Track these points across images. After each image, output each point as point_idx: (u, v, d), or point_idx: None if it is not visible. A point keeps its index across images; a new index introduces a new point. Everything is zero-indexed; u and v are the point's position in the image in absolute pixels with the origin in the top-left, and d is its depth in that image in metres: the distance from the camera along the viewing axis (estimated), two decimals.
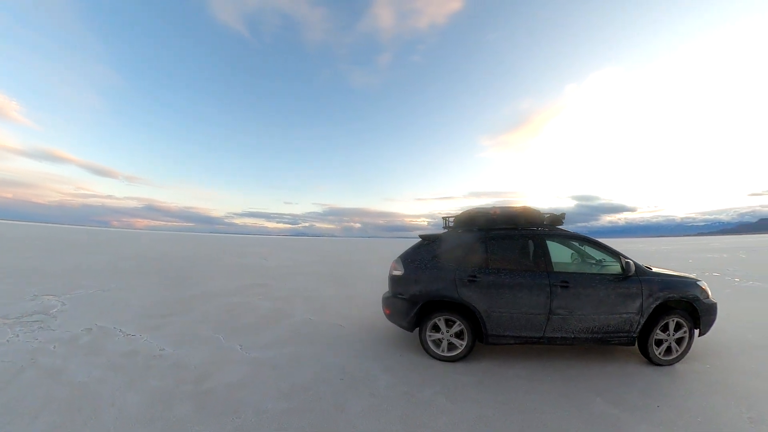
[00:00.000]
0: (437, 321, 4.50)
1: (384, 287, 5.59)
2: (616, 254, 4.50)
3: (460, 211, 5.29)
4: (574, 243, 4.81)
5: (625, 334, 4.32)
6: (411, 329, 4.70)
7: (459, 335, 4.47)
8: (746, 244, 38.48)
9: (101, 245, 25.86)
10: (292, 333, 5.51)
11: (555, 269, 4.41)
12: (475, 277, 4.41)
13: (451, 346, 4.50)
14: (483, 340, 4.43)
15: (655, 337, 4.33)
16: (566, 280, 4.30)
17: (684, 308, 4.45)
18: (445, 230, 5.33)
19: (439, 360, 4.46)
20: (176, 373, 3.91)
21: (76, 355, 4.32)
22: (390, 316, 4.89)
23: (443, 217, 5.43)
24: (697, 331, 4.50)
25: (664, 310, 4.35)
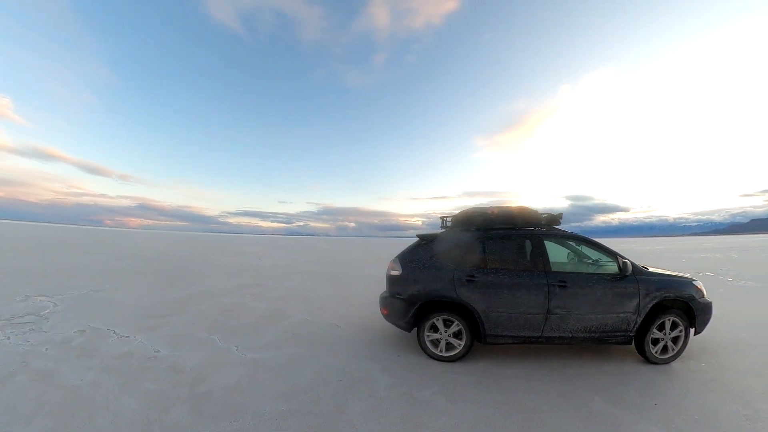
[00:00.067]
0: (435, 321, 4.49)
1: (380, 287, 5.57)
2: (613, 254, 4.52)
3: (458, 211, 5.29)
4: (571, 243, 4.83)
5: (622, 333, 4.35)
6: (409, 329, 4.69)
7: (457, 335, 4.47)
8: (738, 244, 39.05)
9: (94, 245, 25.58)
10: (289, 334, 5.47)
11: (553, 269, 4.42)
12: (473, 277, 4.40)
13: (450, 346, 4.49)
14: (481, 340, 4.43)
15: (652, 336, 4.37)
16: (564, 280, 4.31)
17: (680, 307, 4.49)
18: (443, 230, 5.32)
19: (438, 360, 4.45)
20: (172, 375, 3.85)
21: (69, 358, 4.23)
22: (388, 317, 4.86)
23: (441, 217, 5.43)
24: (692, 330, 4.54)
25: (660, 309, 4.39)
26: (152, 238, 45.73)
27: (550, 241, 4.65)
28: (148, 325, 5.64)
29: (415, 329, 4.66)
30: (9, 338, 4.82)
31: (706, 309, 4.53)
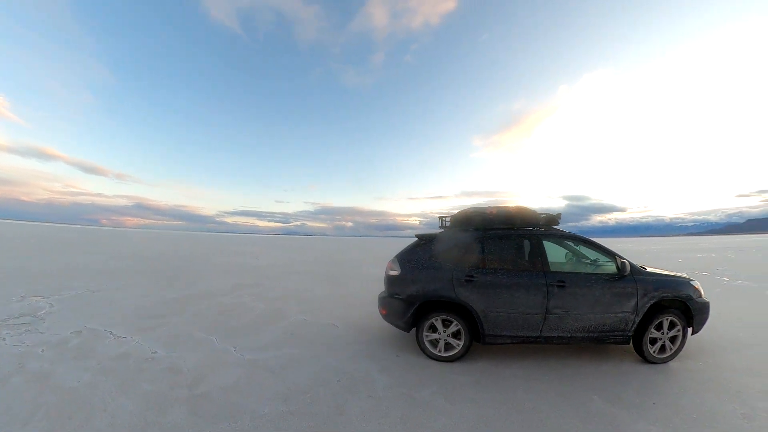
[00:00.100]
0: (434, 321, 4.48)
1: (378, 287, 5.56)
2: (611, 254, 4.54)
3: (456, 211, 5.28)
4: (569, 243, 4.84)
5: (620, 333, 4.36)
6: (408, 329, 4.68)
7: (456, 335, 4.47)
8: (734, 244, 39.30)
9: (91, 244, 25.44)
10: (287, 334, 5.45)
11: (551, 269, 4.43)
12: (472, 277, 4.40)
13: (448, 346, 4.49)
14: (480, 340, 4.43)
15: (650, 335, 4.39)
16: (563, 280, 4.32)
17: (678, 307, 4.50)
18: (442, 230, 5.31)
19: (436, 360, 4.45)
20: (170, 376, 3.83)
21: (65, 359, 4.20)
22: (386, 317, 4.86)
23: (440, 217, 5.42)
24: (690, 330, 4.56)
25: (658, 309, 4.41)
26: (149, 238, 45.53)
27: (549, 241, 4.66)
28: (145, 326, 5.61)
29: (414, 329, 4.66)
30: (5, 339, 4.78)
31: (703, 309, 4.55)
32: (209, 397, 3.40)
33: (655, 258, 21.20)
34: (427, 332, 4.51)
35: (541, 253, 4.52)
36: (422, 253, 4.76)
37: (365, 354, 4.67)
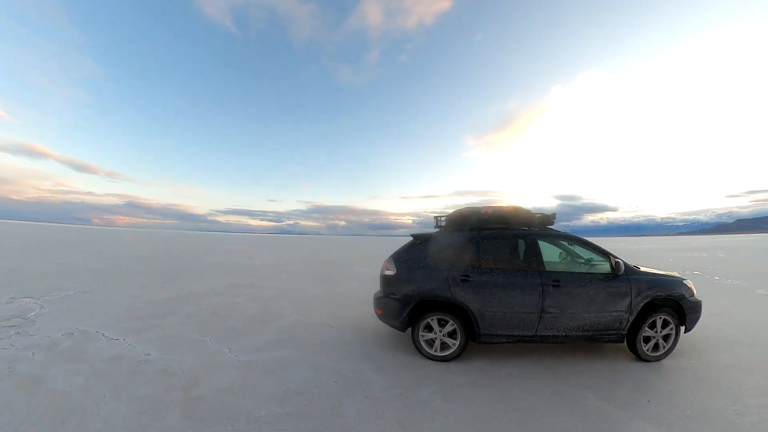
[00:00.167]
0: (430, 321, 4.49)
1: (372, 286, 5.55)
2: (605, 254, 4.57)
3: (450, 210, 5.30)
4: (564, 243, 4.87)
5: (614, 332, 4.40)
6: (403, 329, 4.68)
7: (452, 335, 4.47)
8: (724, 244, 39.91)
9: (81, 244, 25.11)
10: (282, 335, 5.42)
11: (546, 269, 4.45)
12: (467, 276, 4.41)
13: (444, 346, 4.50)
14: (476, 339, 4.45)
15: (644, 334, 4.44)
16: (558, 280, 4.34)
17: (671, 306, 4.56)
18: (437, 230, 5.32)
19: (432, 360, 4.45)
20: (164, 379, 3.78)
21: (56, 362, 4.12)
22: (382, 317, 4.85)
23: (435, 217, 5.42)
24: (682, 328, 4.62)
25: (651, 308, 4.45)
26: (140, 237, 45.08)
27: (544, 240, 4.68)
28: (138, 327, 5.53)
29: (410, 329, 4.66)
30: None
31: (695, 307, 4.62)
32: (204, 399, 3.36)
33: (646, 257, 21.47)
34: (423, 332, 4.51)
35: (537, 253, 4.54)
36: (418, 253, 4.76)
37: (361, 354, 4.66)
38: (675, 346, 4.56)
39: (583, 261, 4.88)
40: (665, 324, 4.48)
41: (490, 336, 4.41)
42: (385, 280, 4.84)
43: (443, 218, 5.31)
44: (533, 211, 4.94)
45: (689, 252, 26.35)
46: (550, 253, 4.81)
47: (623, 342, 4.52)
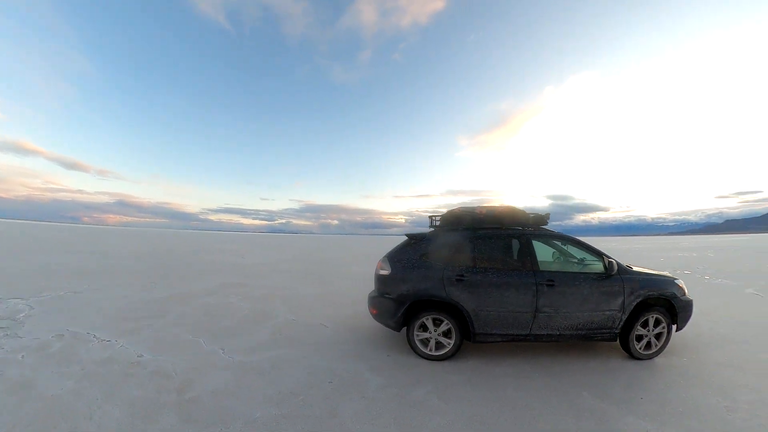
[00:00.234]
0: (425, 320, 4.49)
1: (365, 286, 5.53)
2: (599, 254, 4.61)
3: (444, 210, 5.31)
4: (558, 243, 4.90)
5: (607, 331, 4.44)
6: (398, 329, 4.68)
7: (447, 334, 4.49)
8: (713, 244, 40.57)
9: (72, 243, 24.76)
10: (276, 335, 5.39)
11: (541, 268, 4.48)
12: (462, 276, 4.42)
13: (439, 345, 4.51)
14: (470, 338, 4.46)
15: (636, 332, 4.49)
16: (552, 279, 4.38)
17: (663, 305, 4.62)
18: (432, 229, 5.32)
19: (427, 359, 4.46)
20: (157, 381, 3.73)
21: (47, 365, 4.04)
22: (377, 316, 4.85)
23: (429, 216, 5.42)
24: (674, 327, 4.69)
25: (644, 307, 4.51)
26: (131, 236, 44.58)
27: (538, 240, 4.71)
28: (129, 328, 5.46)
29: (405, 329, 4.66)
30: None
31: (687, 306, 4.68)
32: (199, 401, 3.33)
33: (637, 257, 21.73)
34: (418, 331, 4.52)
35: (531, 253, 4.56)
36: (412, 253, 4.76)
37: (356, 354, 4.65)
38: (667, 344, 4.63)
39: (576, 261, 4.92)
40: (657, 323, 4.54)
41: (485, 335, 4.43)
42: (380, 279, 4.83)
43: (438, 218, 5.32)
44: (527, 211, 4.97)
45: (680, 252, 26.75)
46: (544, 252, 4.84)
47: (616, 340, 4.57)
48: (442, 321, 4.47)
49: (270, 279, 11.15)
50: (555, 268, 4.72)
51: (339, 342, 5.12)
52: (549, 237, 4.81)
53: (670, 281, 4.66)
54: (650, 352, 4.55)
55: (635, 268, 4.77)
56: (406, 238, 5.06)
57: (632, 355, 4.53)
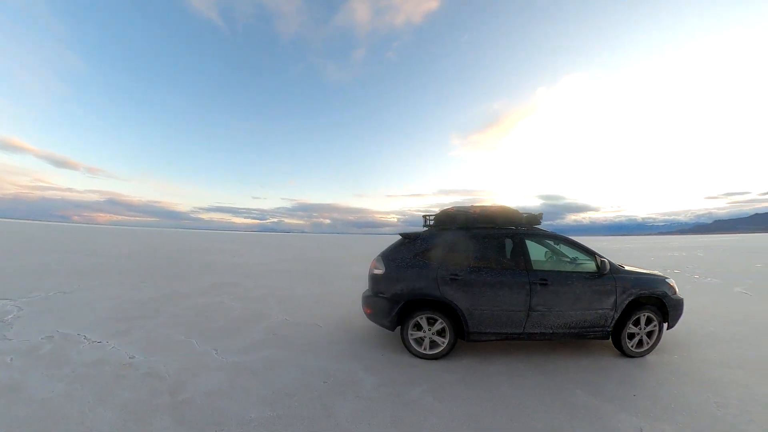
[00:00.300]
0: (419, 319, 4.50)
1: (359, 285, 5.52)
2: (591, 253, 4.66)
3: (437, 209, 5.33)
4: (550, 242, 4.94)
5: (600, 329, 4.49)
6: (392, 328, 4.68)
7: (441, 333, 4.50)
8: (703, 244, 41.19)
9: (61, 242, 24.39)
10: (269, 335, 5.36)
11: (534, 267, 4.51)
12: (456, 275, 4.44)
13: (433, 344, 4.52)
14: (465, 337, 4.48)
15: (628, 330, 4.54)
16: (545, 278, 4.41)
17: (654, 304, 4.68)
18: (426, 229, 5.33)
19: (421, 358, 4.47)
20: (150, 382, 3.68)
21: (37, 368, 3.96)
22: (371, 316, 4.85)
23: (423, 216, 5.43)
24: (665, 325, 4.76)
25: (636, 305, 4.56)
26: (122, 235, 44.02)
27: (531, 240, 4.74)
28: (121, 329, 5.39)
29: (399, 328, 4.66)
30: None
31: (678, 305, 4.76)
32: (193, 403, 3.29)
33: (628, 256, 21.98)
34: (412, 330, 4.53)
35: (524, 252, 4.59)
36: (407, 252, 4.77)
37: (350, 354, 4.64)
38: (658, 342, 4.69)
39: (569, 260, 4.96)
40: (649, 321, 4.60)
41: (479, 334, 4.44)
42: (374, 278, 4.83)
43: (432, 217, 5.33)
44: (520, 211, 5.00)
45: (670, 251, 27.10)
46: (537, 252, 4.88)
47: (608, 339, 4.62)
48: (436, 320, 4.48)
49: (262, 279, 11.09)
50: (548, 267, 4.76)
51: (333, 342, 5.10)
52: (542, 236, 4.84)
53: (661, 280, 4.72)
54: (642, 349, 4.61)
55: (627, 268, 4.82)
56: (399, 237, 5.06)
57: (624, 353, 4.58)
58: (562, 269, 4.65)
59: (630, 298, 4.48)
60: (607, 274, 4.47)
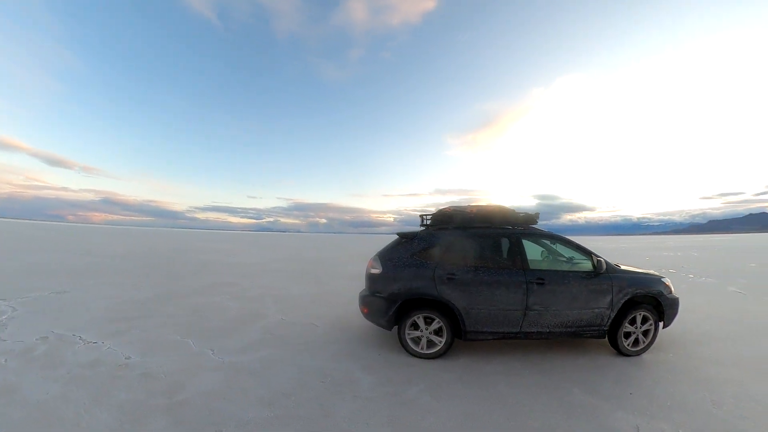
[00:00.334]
0: (416, 319, 4.51)
1: (355, 284, 5.52)
2: (587, 252, 4.68)
3: (433, 209, 5.33)
4: (547, 242, 4.96)
5: (596, 328, 4.51)
6: (390, 328, 4.69)
7: (438, 332, 4.50)
8: (697, 244, 41.54)
9: (56, 241, 24.21)
10: (266, 335, 5.35)
11: (531, 267, 4.53)
12: (453, 274, 4.44)
13: (431, 344, 4.52)
14: (462, 336, 4.48)
15: (624, 329, 4.57)
16: (542, 278, 4.42)
17: (650, 303, 4.72)
18: (423, 228, 5.34)
19: (419, 357, 4.48)
20: (146, 383, 3.65)
21: (31, 369, 3.92)
22: (368, 315, 4.85)
23: (420, 215, 5.43)
24: (661, 324, 4.79)
25: (631, 304, 4.59)
26: (117, 235, 43.74)
27: (528, 239, 4.76)
28: (116, 330, 5.36)
29: (396, 327, 4.67)
30: None
31: (673, 304, 4.80)
32: (190, 404, 3.27)
33: (623, 256, 22.13)
34: (410, 330, 4.53)
35: (521, 252, 4.61)
36: (404, 252, 4.77)
37: (347, 353, 4.64)
38: (654, 341, 4.72)
39: (565, 259, 4.98)
40: (645, 320, 4.63)
41: (476, 333, 4.45)
42: (371, 278, 4.83)
43: (429, 217, 5.33)
44: (516, 211, 5.01)
45: (665, 251, 27.30)
46: (533, 251, 4.90)
47: (605, 338, 4.64)
48: (433, 319, 4.49)
49: (259, 278, 11.05)
50: (545, 266, 4.78)
51: (330, 341, 5.10)
52: (539, 236, 4.86)
53: (656, 279, 4.75)
54: (638, 348, 4.64)
55: (623, 267, 4.85)
56: (396, 236, 5.06)
57: (621, 352, 4.61)
58: (559, 269, 4.67)
59: (626, 298, 4.50)
60: (603, 274, 4.50)
